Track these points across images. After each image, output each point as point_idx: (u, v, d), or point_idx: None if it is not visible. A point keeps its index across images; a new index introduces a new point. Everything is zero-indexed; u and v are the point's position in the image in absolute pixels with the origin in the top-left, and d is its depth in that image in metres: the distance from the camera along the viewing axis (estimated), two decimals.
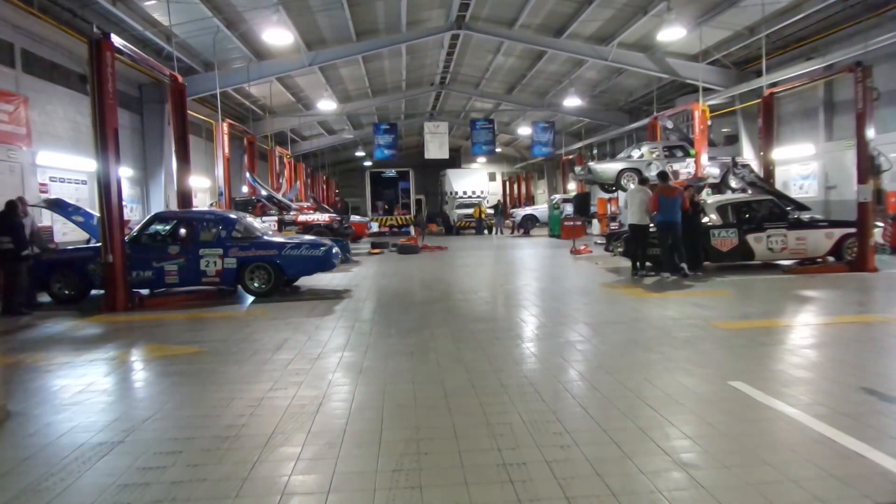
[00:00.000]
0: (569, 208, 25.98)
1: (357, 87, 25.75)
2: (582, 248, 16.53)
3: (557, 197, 28.08)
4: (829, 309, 7.82)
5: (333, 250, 9.85)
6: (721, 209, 11.19)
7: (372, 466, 3.26)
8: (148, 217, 10.54)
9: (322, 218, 18.18)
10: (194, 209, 11.90)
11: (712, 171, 17.00)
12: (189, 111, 12.14)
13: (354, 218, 21.40)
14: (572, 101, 23.00)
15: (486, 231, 30.10)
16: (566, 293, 9.52)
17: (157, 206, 17.65)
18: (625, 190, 17.96)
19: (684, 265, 10.39)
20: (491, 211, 32.22)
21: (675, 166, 17.26)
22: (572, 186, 31.21)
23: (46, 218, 12.77)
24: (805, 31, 16.25)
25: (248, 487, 3.07)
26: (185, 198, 11.20)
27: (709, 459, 3.25)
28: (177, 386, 4.92)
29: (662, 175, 11.15)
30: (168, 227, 9.93)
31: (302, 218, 17.82)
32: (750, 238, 10.88)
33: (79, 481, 3.19)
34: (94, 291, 9.48)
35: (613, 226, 23.95)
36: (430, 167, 39.60)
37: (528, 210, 29.72)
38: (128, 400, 4.78)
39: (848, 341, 5.86)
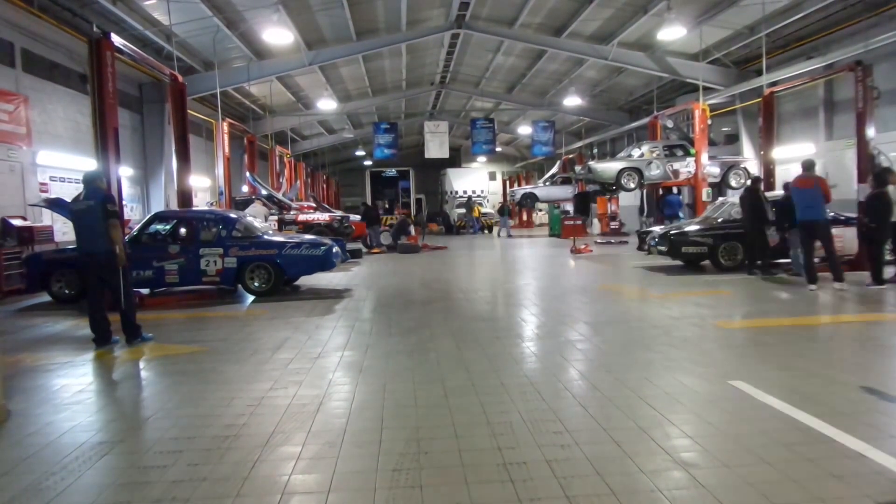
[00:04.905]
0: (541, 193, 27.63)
1: (357, 86, 25.74)
2: (582, 247, 16.52)
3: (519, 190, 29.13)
4: (829, 308, 7.83)
5: (333, 250, 9.85)
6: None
7: (372, 466, 3.26)
8: (148, 216, 10.54)
9: (322, 217, 18.17)
10: (194, 209, 11.89)
11: (712, 170, 16.97)
12: (189, 110, 12.14)
13: (354, 217, 21.31)
14: (572, 101, 22.98)
15: (486, 231, 30.01)
16: (566, 292, 9.52)
17: (158, 206, 17.60)
18: (625, 189, 17.98)
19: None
20: (492, 211, 32.13)
21: (676, 166, 17.29)
22: None
23: (46, 217, 12.75)
24: (805, 30, 16.22)
25: (248, 487, 3.07)
26: (185, 197, 11.20)
27: (709, 459, 3.25)
28: (177, 385, 4.93)
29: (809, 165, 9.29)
30: (168, 227, 9.94)
31: (302, 217, 17.81)
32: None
33: (79, 481, 3.19)
34: None
35: (613, 225, 23.94)
36: (430, 167, 39.65)
37: (527, 188, 29.40)
38: (128, 399, 4.79)
39: (848, 341, 5.86)
